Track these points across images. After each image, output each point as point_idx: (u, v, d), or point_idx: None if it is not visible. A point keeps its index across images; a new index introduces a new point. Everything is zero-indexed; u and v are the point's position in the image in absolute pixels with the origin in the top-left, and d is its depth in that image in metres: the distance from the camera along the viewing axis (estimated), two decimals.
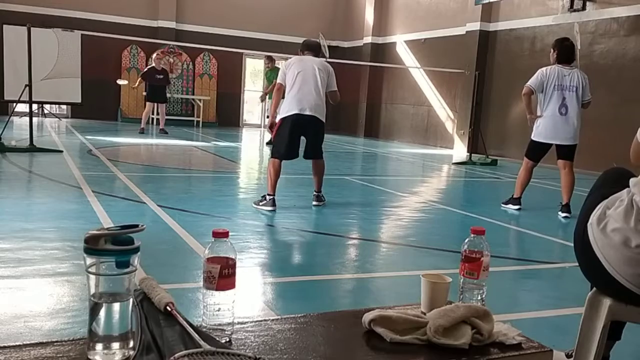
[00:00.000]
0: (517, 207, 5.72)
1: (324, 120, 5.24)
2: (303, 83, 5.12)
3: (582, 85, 5.47)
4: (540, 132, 5.58)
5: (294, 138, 5.15)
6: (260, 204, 5.05)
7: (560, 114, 5.46)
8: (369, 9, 16.93)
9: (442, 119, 14.50)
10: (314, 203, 5.34)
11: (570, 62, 5.53)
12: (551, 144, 5.60)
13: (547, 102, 5.49)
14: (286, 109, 5.15)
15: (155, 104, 13.38)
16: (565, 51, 5.51)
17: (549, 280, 3.62)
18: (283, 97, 5.39)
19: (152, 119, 15.82)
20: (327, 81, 5.25)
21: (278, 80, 5.32)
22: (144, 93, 16.12)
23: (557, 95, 5.43)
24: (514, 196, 5.78)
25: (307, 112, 5.08)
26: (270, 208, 4.97)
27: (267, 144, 11.47)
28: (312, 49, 5.46)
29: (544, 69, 5.53)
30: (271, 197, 5.02)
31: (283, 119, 5.15)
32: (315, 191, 5.39)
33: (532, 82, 5.50)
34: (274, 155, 5.17)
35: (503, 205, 5.84)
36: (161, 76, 13.07)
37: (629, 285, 1.55)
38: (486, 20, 12.86)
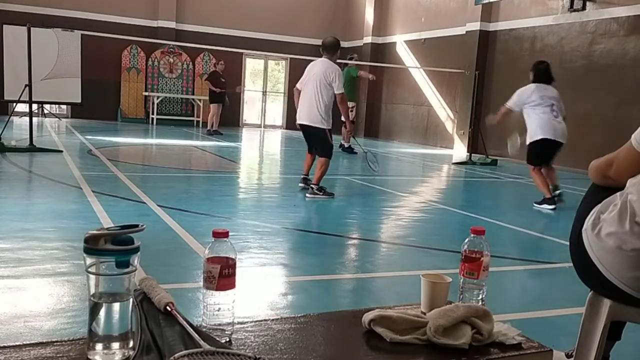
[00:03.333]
0: (552, 207, 5.70)
1: (317, 126, 5.83)
2: (304, 91, 5.88)
3: (560, 100, 5.81)
4: (536, 130, 5.70)
5: (305, 138, 6.18)
6: (300, 184, 6.19)
7: (552, 114, 5.69)
8: (369, 9, 16.92)
9: (442, 119, 14.49)
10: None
11: (549, 82, 5.83)
12: (551, 141, 5.69)
13: (535, 109, 5.71)
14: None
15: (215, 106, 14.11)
16: (539, 73, 5.84)
17: (549, 280, 3.62)
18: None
19: (153, 119, 15.86)
20: (331, 83, 5.78)
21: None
22: (144, 93, 16.19)
23: (544, 101, 5.70)
24: (546, 197, 5.79)
25: (300, 121, 5.93)
26: (302, 184, 6.13)
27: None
28: (327, 49, 5.93)
29: (521, 88, 5.90)
30: (303, 176, 6.20)
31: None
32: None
33: (510, 101, 5.95)
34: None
35: (536, 205, 5.85)
36: (224, 80, 14.07)
37: (626, 288, 1.55)
38: (486, 20, 12.85)
